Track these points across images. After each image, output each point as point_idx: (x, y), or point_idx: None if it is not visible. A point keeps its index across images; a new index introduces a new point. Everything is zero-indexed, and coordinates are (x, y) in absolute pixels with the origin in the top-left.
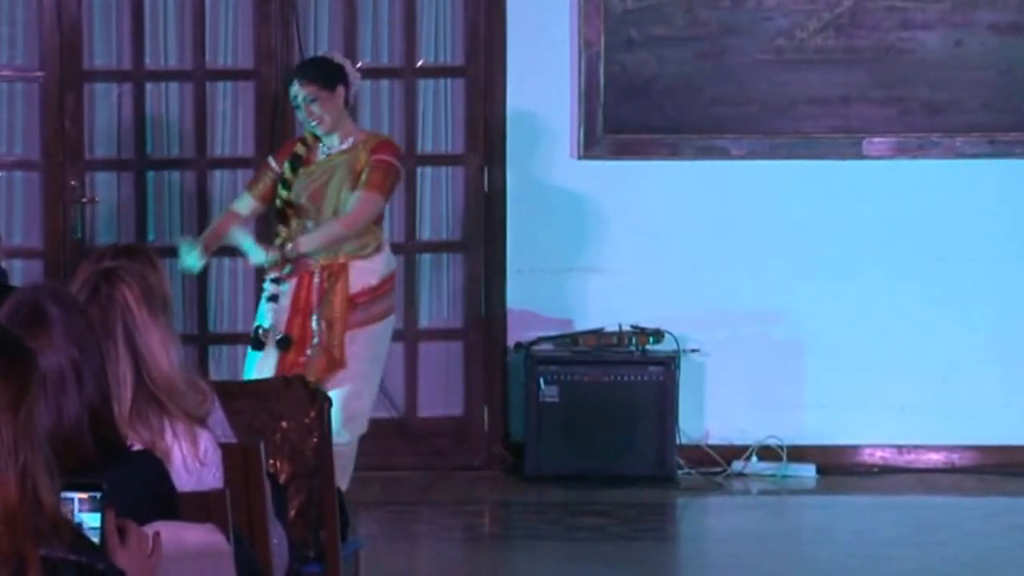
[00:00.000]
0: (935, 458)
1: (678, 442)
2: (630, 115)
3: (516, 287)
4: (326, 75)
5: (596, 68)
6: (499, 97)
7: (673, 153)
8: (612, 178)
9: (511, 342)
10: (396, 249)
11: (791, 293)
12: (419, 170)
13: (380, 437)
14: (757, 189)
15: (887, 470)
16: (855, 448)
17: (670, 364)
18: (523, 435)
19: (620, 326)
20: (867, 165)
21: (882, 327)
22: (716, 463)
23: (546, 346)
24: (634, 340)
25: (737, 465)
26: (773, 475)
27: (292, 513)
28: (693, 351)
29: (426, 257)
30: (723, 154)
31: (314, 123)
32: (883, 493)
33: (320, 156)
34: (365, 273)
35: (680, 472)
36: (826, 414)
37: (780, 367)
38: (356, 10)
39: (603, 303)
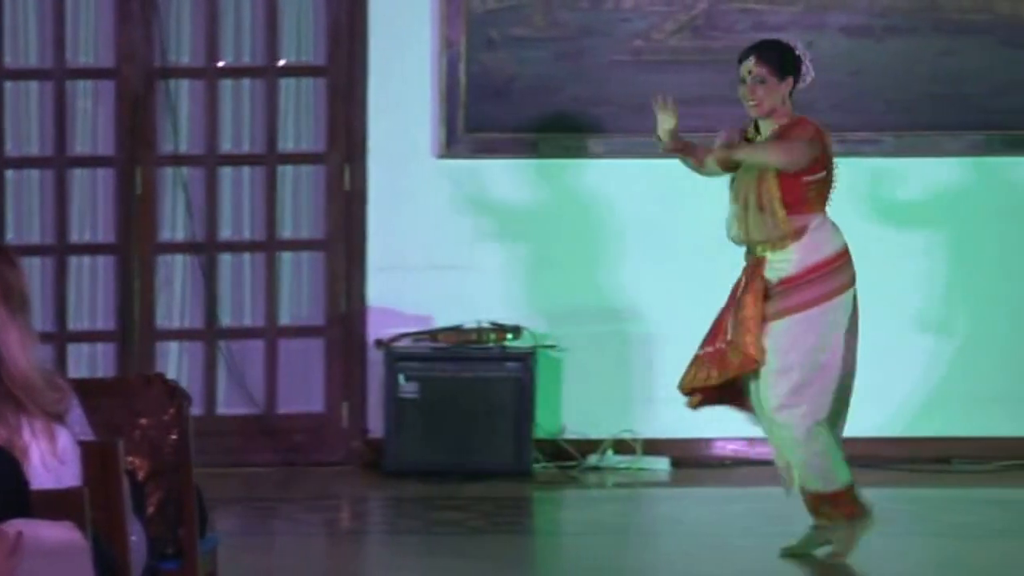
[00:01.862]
0: None
1: (535, 437)
2: (490, 114)
3: (377, 284)
4: (782, 61)
5: (457, 68)
6: (360, 96)
7: (533, 152)
8: (473, 176)
9: (372, 339)
10: (257, 247)
11: (647, 289)
12: (280, 169)
13: (239, 433)
14: (615, 187)
15: (738, 462)
16: (707, 441)
17: (527, 360)
18: (383, 431)
19: (479, 323)
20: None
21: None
22: (572, 457)
23: (406, 343)
24: (493, 337)
25: (592, 459)
26: (627, 468)
27: (150, 510)
28: (550, 347)
29: (287, 255)
30: (582, 153)
31: (752, 103)
32: (734, 485)
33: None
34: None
35: (536, 466)
36: (679, 408)
37: (635, 362)
38: (217, 9)
39: (463, 300)
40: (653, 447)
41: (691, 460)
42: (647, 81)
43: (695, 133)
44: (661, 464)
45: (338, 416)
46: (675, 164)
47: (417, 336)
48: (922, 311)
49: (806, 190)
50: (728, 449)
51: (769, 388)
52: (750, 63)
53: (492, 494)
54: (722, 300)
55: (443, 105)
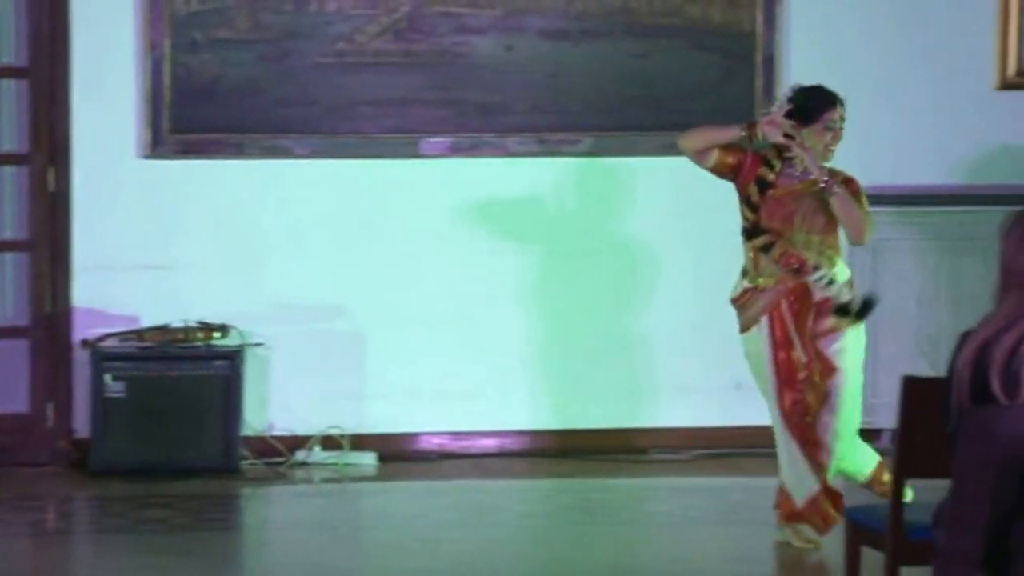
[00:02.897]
0: (488, 443)
1: (243, 434)
2: (196, 116)
3: (83, 285)
4: None
5: (161, 69)
6: (63, 98)
7: (238, 153)
8: (179, 177)
9: (78, 339)
10: None
11: (353, 288)
12: None
13: None
14: (320, 187)
15: (444, 456)
16: (414, 436)
17: (235, 358)
18: (89, 431)
19: (186, 322)
20: (424, 164)
21: (439, 320)
22: (280, 453)
23: (113, 343)
24: (199, 336)
25: (300, 454)
26: (335, 463)
27: None
28: (258, 345)
29: None
30: (287, 153)
31: (833, 149)
32: (440, 478)
33: (795, 181)
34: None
35: (244, 463)
36: (386, 404)
37: (342, 360)
38: None
39: (171, 300)
40: (360, 442)
41: (398, 454)
42: (351, 83)
43: (395, 135)
44: (368, 459)
45: (43, 416)
46: (381, 164)
47: (124, 336)
48: (617, 307)
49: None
50: (434, 443)
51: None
52: (842, 111)
53: (200, 492)
54: (427, 297)
55: (148, 106)
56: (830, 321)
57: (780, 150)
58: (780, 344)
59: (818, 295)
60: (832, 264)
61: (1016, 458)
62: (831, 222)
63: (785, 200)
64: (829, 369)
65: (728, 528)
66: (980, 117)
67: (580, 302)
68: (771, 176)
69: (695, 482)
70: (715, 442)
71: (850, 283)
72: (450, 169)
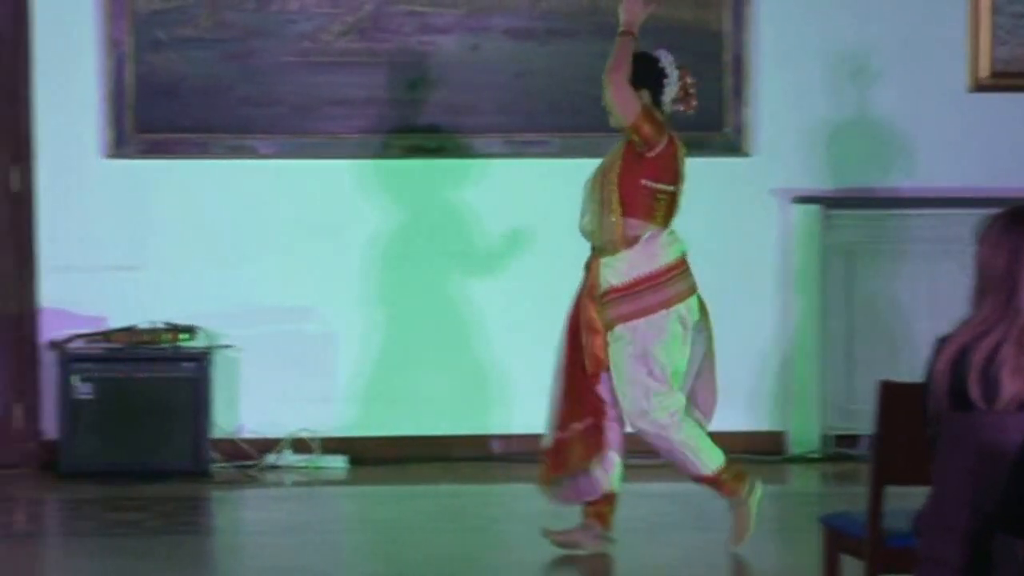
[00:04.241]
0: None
1: (212, 436)
2: (160, 115)
3: (49, 285)
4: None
5: (124, 68)
6: (25, 97)
7: (203, 152)
8: (143, 177)
9: (44, 340)
10: None
11: (323, 289)
12: None
13: None
14: (286, 187)
15: (416, 459)
16: (385, 438)
17: (203, 360)
18: (57, 433)
19: (153, 323)
20: (391, 165)
21: (409, 320)
22: (250, 456)
23: (80, 344)
24: (167, 337)
25: (271, 457)
26: (306, 466)
27: None
28: (226, 347)
29: None
30: (252, 153)
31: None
32: (412, 482)
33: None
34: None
35: (214, 466)
36: (357, 406)
37: (312, 361)
38: None
39: (138, 301)
40: (331, 445)
41: (369, 457)
42: (315, 82)
43: (361, 135)
44: (339, 462)
45: (11, 418)
46: (347, 165)
47: (91, 337)
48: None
49: (648, 199)
50: (406, 446)
51: (623, 399)
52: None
53: (170, 495)
54: (394, 298)
55: (111, 105)
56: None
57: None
58: None
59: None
60: None
61: (995, 464)
62: None
63: None
64: None
65: (704, 534)
66: (953, 119)
67: (552, 306)
68: None
69: (667, 487)
70: None
71: None
72: (414, 170)
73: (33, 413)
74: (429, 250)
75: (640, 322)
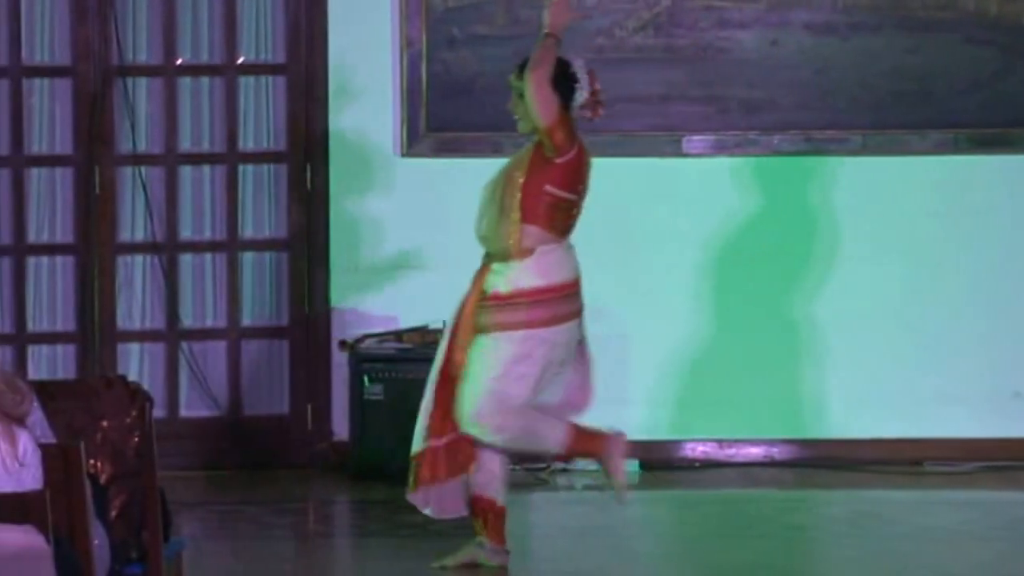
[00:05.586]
0: (755, 452)
1: None
2: (452, 113)
3: (341, 285)
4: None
5: (418, 66)
6: (321, 95)
7: (495, 151)
8: (435, 176)
9: (336, 340)
10: (218, 247)
11: (614, 289)
12: (242, 168)
13: (203, 436)
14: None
15: (708, 464)
16: (677, 443)
17: None
18: (347, 433)
19: (444, 323)
20: (686, 163)
21: (701, 325)
22: (542, 459)
23: (370, 343)
24: None
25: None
26: (597, 470)
27: (113, 514)
28: None
29: (249, 255)
30: None
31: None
32: (704, 487)
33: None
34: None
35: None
36: (649, 409)
37: (606, 364)
38: (175, 6)
39: (427, 300)
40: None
41: (660, 462)
42: (608, 79)
43: (656, 132)
44: (630, 466)
45: (303, 418)
46: (642, 163)
47: (382, 337)
48: (897, 311)
49: (549, 206)
50: (698, 451)
51: (463, 399)
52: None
53: None
54: (686, 301)
55: (405, 104)
56: None
57: None
58: None
59: None
60: None
61: None
62: None
63: None
64: None
65: (1001, 544)
66: None
67: (862, 307)
68: None
69: (973, 495)
70: (994, 454)
71: None
72: (713, 168)
73: (324, 413)
74: (725, 252)
75: (514, 334)
